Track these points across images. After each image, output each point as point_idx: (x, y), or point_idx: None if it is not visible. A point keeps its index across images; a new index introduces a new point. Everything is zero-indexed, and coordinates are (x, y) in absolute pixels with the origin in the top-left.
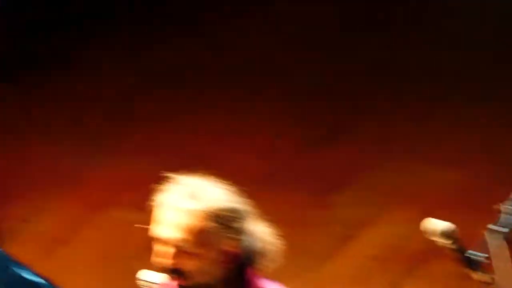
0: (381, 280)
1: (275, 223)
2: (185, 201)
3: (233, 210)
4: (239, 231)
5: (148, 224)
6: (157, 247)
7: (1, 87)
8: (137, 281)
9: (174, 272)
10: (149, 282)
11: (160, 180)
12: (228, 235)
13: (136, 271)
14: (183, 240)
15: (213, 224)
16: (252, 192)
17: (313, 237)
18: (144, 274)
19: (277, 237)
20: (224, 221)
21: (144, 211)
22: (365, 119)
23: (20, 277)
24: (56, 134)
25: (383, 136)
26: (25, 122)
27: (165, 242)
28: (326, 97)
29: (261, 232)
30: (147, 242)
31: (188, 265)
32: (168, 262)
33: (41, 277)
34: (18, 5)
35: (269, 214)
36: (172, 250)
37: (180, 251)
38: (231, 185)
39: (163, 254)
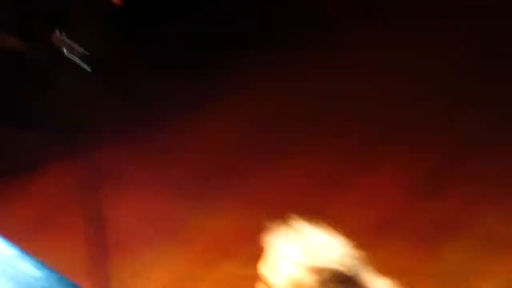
0: None
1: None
2: (298, 253)
3: (344, 275)
4: None
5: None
6: None
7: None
8: None
9: None
10: None
11: (273, 230)
12: None
13: None
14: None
15: (315, 282)
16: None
17: None
18: None
19: None
20: (329, 282)
21: (258, 264)
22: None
23: None
24: (170, 190)
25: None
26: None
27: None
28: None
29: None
30: None
31: None
32: None
33: None
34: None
35: (384, 265)
36: None
37: None
38: (346, 237)
39: None
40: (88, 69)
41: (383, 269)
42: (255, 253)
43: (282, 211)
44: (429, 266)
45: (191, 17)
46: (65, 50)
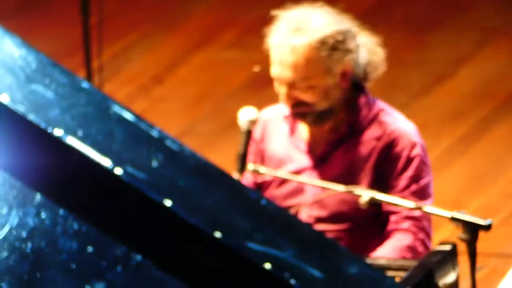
0: (473, 116)
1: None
2: (290, 38)
3: (341, 32)
4: (350, 50)
5: (251, 63)
6: (278, 88)
7: None
8: (238, 120)
9: (295, 106)
10: (250, 120)
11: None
12: (340, 57)
13: (231, 110)
14: (293, 77)
15: (322, 53)
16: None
17: (408, 75)
18: (245, 112)
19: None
20: (334, 45)
21: (244, 50)
22: None
23: (120, 116)
24: None
25: None
26: None
27: (280, 81)
28: None
29: (366, 43)
30: (244, 81)
31: (306, 97)
32: (288, 101)
33: (135, 115)
34: None
35: None
36: (286, 88)
37: (295, 87)
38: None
39: (282, 93)
40: None
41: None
42: (239, 37)
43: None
44: (410, 54)
45: None
46: None
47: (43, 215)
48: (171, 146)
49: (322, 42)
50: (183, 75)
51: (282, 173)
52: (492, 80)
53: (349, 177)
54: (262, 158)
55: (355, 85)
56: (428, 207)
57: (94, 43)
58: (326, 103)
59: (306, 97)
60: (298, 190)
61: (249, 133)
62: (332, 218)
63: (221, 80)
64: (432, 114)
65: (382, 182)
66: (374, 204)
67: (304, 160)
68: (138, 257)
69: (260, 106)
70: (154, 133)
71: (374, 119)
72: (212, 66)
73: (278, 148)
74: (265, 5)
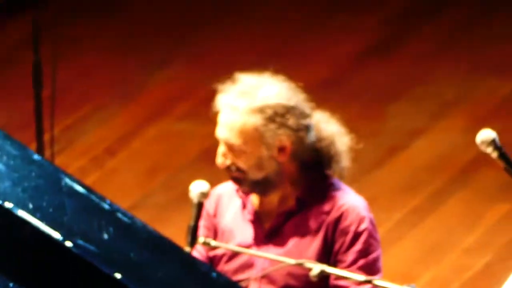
0: (428, 189)
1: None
2: (235, 99)
3: (284, 106)
4: (288, 126)
5: (204, 135)
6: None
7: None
8: (190, 193)
9: (228, 169)
10: (202, 192)
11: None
12: (275, 130)
13: (184, 183)
14: (230, 138)
15: (258, 121)
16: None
17: (363, 147)
18: (196, 185)
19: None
20: (271, 116)
21: (196, 122)
22: (416, 31)
23: (71, 188)
24: (108, 47)
25: (434, 48)
26: (80, 32)
27: (220, 140)
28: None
29: (330, 131)
30: (197, 154)
31: (239, 162)
32: (221, 160)
33: (87, 188)
34: None
35: None
36: (223, 148)
37: (230, 149)
38: (296, 84)
39: (219, 153)
40: None
41: None
42: (194, 109)
43: (228, 69)
44: (365, 126)
45: None
46: None
47: None
48: (122, 219)
49: (261, 110)
50: (136, 147)
51: (233, 246)
52: (446, 153)
53: (298, 251)
54: (215, 233)
55: (303, 164)
56: (379, 280)
57: (46, 115)
58: (259, 173)
59: (239, 162)
60: (248, 265)
61: (200, 206)
62: None
63: (174, 152)
64: (385, 186)
65: (330, 256)
66: (324, 277)
67: (254, 234)
68: None
69: (213, 178)
70: (105, 206)
71: (324, 193)
72: (165, 138)
73: (229, 222)
74: (219, 78)
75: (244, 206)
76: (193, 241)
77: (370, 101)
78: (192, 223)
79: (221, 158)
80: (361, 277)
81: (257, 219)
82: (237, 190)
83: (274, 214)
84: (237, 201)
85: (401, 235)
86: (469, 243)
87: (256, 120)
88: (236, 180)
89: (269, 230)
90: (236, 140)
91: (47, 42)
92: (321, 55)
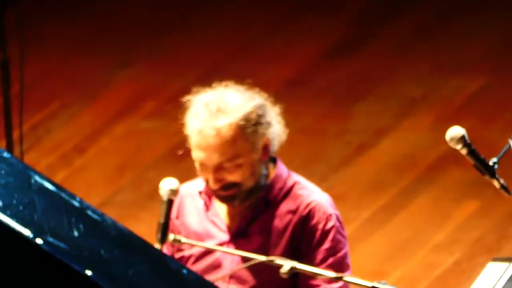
0: (395, 188)
1: (293, 131)
2: (213, 120)
3: (259, 106)
4: (270, 122)
5: (171, 133)
6: (202, 172)
7: None
8: (160, 190)
9: (224, 189)
10: (171, 189)
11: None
12: (264, 131)
13: (152, 180)
14: (220, 160)
15: (248, 130)
16: (274, 100)
17: (329, 146)
18: (166, 183)
19: (293, 142)
20: (257, 120)
21: (162, 120)
22: (379, 31)
23: (41, 186)
24: (73, 46)
25: (397, 47)
26: (47, 31)
27: (207, 166)
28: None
29: (275, 119)
30: (164, 152)
31: (233, 177)
32: (215, 185)
33: (56, 185)
34: None
35: (288, 122)
36: (213, 172)
37: (221, 169)
38: (251, 88)
39: (209, 179)
40: None
41: (293, 123)
42: (160, 107)
43: (193, 69)
44: (332, 125)
45: None
46: None
47: None
48: (92, 216)
49: (246, 119)
50: (104, 145)
51: (204, 243)
52: (413, 151)
53: (264, 251)
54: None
55: (270, 158)
56: (349, 277)
57: (14, 113)
58: (252, 180)
59: (234, 177)
60: (215, 265)
61: (170, 203)
62: None
63: (142, 150)
64: (352, 185)
65: (297, 255)
66: (293, 275)
67: (221, 235)
68: None
69: (180, 175)
70: (75, 203)
71: (289, 192)
72: (133, 136)
73: (194, 224)
74: (186, 76)
75: (207, 208)
76: (163, 239)
77: (336, 100)
78: (162, 220)
79: (217, 184)
80: (332, 274)
81: (224, 220)
82: (200, 192)
83: (241, 215)
84: (199, 202)
85: (370, 233)
86: (438, 240)
87: (244, 131)
88: (231, 198)
89: (236, 231)
90: (230, 158)
91: (13, 41)
92: (286, 55)
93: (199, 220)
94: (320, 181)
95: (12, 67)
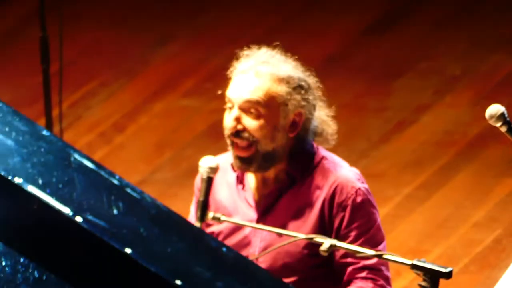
0: (435, 164)
1: (334, 106)
2: (258, 66)
3: (303, 80)
4: (309, 101)
5: (210, 111)
6: (226, 117)
7: None
8: (199, 167)
9: (238, 136)
10: (211, 167)
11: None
12: (298, 102)
13: (190, 158)
14: (252, 99)
15: (284, 88)
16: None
17: (369, 123)
18: (205, 161)
19: (333, 119)
20: (297, 87)
21: (201, 98)
22: (419, 7)
23: (81, 164)
24: (112, 24)
25: (437, 23)
26: (86, 9)
27: (234, 103)
28: None
29: (317, 103)
30: (203, 129)
31: (253, 128)
32: (233, 123)
33: (96, 163)
34: None
35: (327, 99)
36: (238, 112)
37: (247, 111)
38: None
39: (231, 116)
40: None
41: (333, 100)
42: (198, 85)
43: (232, 46)
44: (372, 101)
45: None
46: None
47: (4, 263)
48: (131, 194)
49: (288, 79)
50: (143, 123)
51: (242, 221)
52: (452, 128)
53: (294, 228)
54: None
55: (300, 140)
56: (388, 255)
57: (54, 91)
58: (270, 145)
59: (252, 125)
60: (244, 243)
61: (209, 181)
62: (279, 271)
63: (180, 128)
64: (392, 161)
65: (328, 231)
66: (330, 253)
67: (249, 213)
68: None
69: (218, 153)
70: (115, 181)
71: (316, 167)
72: (172, 114)
73: (225, 199)
74: (224, 54)
75: (239, 181)
76: (202, 217)
77: (375, 77)
78: (201, 198)
79: (233, 122)
80: (371, 252)
81: (253, 197)
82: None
83: (268, 191)
84: (231, 176)
85: (410, 210)
86: (478, 217)
87: (281, 88)
88: (248, 159)
89: (264, 208)
90: (258, 101)
91: (52, 19)
92: (326, 32)
93: (229, 195)
94: (360, 158)
95: (52, 45)
